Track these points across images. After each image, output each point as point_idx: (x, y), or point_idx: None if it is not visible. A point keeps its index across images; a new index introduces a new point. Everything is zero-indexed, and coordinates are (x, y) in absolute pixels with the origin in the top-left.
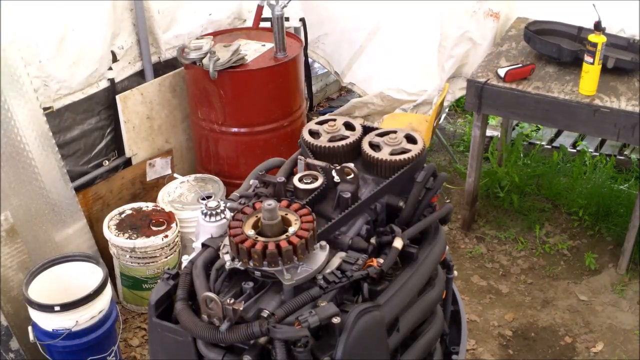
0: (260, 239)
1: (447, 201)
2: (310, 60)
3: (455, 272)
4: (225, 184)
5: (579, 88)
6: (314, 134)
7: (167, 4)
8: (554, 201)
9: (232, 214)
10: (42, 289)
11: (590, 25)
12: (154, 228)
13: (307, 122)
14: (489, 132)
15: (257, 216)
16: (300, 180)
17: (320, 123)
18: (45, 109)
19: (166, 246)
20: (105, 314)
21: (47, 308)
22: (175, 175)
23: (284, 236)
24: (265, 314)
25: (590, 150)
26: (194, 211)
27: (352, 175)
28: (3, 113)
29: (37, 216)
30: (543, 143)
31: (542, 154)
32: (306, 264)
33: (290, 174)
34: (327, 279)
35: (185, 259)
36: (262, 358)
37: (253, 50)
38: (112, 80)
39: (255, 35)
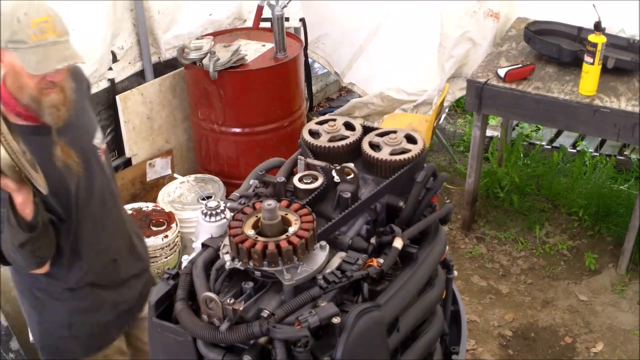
0: (260, 239)
1: (447, 201)
2: (310, 60)
3: (455, 272)
4: (225, 184)
5: (579, 88)
6: (314, 134)
7: (167, 4)
8: (554, 201)
9: (232, 214)
10: None
11: (590, 25)
12: (154, 228)
13: (307, 122)
14: (489, 132)
15: (257, 216)
16: (300, 180)
17: (320, 123)
18: None
19: (166, 246)
20: None
21: None
22: (175, 175)
23: (284, 236)
24: (265, 314)
25: (590, 150)
26: (194, 211)
27: (352, 175)
28: None
29: None
30: (543, 143)
31: (542, 154)
32: (306, 264)
33: (290, 174)
34: (327, 279)
35: (185, 259)
36: (262, 358)
37: (253, 51)
38: (112, 81)
39: (255, 36)
